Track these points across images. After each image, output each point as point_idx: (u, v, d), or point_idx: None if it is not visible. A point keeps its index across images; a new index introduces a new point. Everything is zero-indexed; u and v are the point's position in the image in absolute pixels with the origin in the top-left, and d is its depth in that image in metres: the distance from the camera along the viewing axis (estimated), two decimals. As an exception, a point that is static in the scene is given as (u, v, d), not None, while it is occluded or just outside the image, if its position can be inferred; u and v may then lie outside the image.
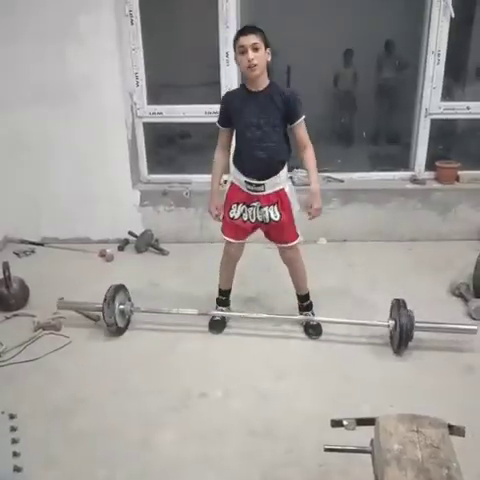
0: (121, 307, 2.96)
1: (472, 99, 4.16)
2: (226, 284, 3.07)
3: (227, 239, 2.88)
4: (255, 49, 2.48)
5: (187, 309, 3.01)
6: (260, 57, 2.50)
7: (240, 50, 2.51)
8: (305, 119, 2.65)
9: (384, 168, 4.43)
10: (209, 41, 3.96)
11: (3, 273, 3.21)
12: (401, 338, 2.68)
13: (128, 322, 3.06)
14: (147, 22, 3.93)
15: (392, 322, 2.77)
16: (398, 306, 2.76)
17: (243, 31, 2.53)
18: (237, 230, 2.83)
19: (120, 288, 3.00)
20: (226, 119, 2.71)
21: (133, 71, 4.02)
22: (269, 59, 2.57)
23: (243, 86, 2.71)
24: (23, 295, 3.30)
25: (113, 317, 2.87)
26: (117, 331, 2.94)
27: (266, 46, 2.54)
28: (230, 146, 2.82)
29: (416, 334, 2.70)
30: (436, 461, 1.41)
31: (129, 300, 3.06)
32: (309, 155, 2.70)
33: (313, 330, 2.95)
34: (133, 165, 4.18)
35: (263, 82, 2.59)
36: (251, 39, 2.48)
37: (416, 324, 2.69)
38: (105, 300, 2.87)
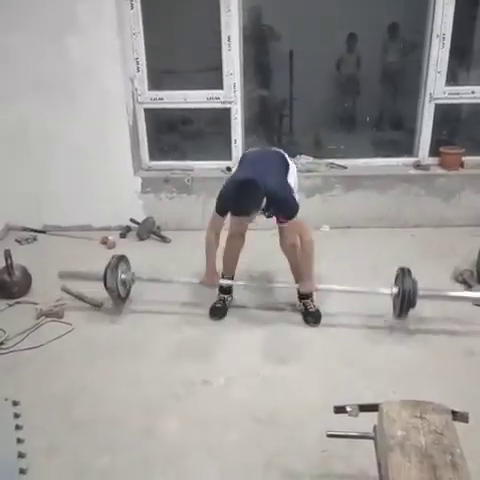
0: (123, 276, 3.00)
1: (477, 83, 4.10)
2: (228, 272, 3.07)
3: (229, 232, 2.91)
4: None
5: (188, 278, 3.06)
6: (250, 220, 2.62)
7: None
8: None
9: (388, 154, 4.39)
10: (210, 25, 3.91)
11: (5, 261, 3.21)
12: (403, 302, 2.67)
13: (128, 292, 3.12)
14: (147, 6, 3.87)
15: (396, 289, 2.76)
16: (403, 274, 2.75)
17: (234, 212, 2.62)
18: (238, 222, 2.83)
19: (122, 258, 3.05)
20: (224, 210, 2.71)
21: (134, 57, 3.98)
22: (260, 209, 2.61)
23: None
24: (25, 283, 3.30)
25: (115, 284, 2.91)
26: (118, 298, 2.98)
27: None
28: (221, 230, 2.83)
29: (418, 314, 2.69)
30: (440, 447, 1.41)
31: (130, 270, 3.10)
32: (305, 251, 2.77)
33: (312, 317, 2.94)
34: (134, 152, 4.15)
35: None
36: (242, 219, 2.65)
37: (420, 292, 2.69)
38: (109, 266, 2.92)
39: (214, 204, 2.76)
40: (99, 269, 2.95)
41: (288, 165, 2.86)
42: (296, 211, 2.65)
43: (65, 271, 3.14)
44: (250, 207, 2.51)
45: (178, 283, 3.07)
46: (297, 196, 2.79)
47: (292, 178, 2.83)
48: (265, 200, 2.54)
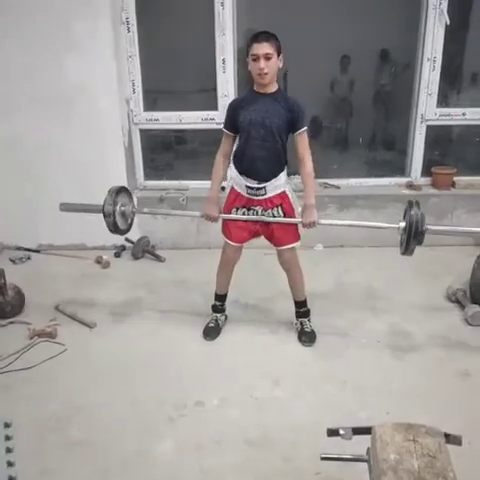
0: (123, 208, 2.90)
1: (468, 105, 4.19)
2: (223, 288, 3.07)
3: (227, 241, 2.88)
4: (267, 59, 2.52)
5: (189, 211, 3.05)
6: (272, 66, 2.54)
7: (252, 57, 2.54)
8: (307, 131, 2.69)
9: (380, 174, 4.44)
10: (205, 48, 3.98)
11: (-1, 280, 3.20)
12: (410, 234, 2.59)
13: (130, 226, 3.01)
14: (144, 29, 3.94)
15: (403, 224, 2.68)
16: (411, 206, 2.66)
17: (257, 38, 2.54)
18: (238, 232, 2.83)
19: (123, 189, 2.96)
20: (233, 123, 2.72)
21: (130, 78, 4.03)
22: (280, 66, 2.61)
23: (250, 89, 2.74)
24: (19, 302, 3.29)
25: (113, 212, 2.80)
26: (114, 227, 2.86)
27: (279, 53, 2.57)
28: (231, 153, 2.82)
29: (413, 339, 2.70)
30: (433, 471, 1.40)
31: (131, 202, 3.01)
32: (307, 169, 2.73)
33: (306, 337, 2.94)
34: (129, 171, 4.18)
35: (272, 86, 2.65)
36: (264, 48, 2.51)
37: (428, 226, 2.61)
38: (109, 191, 2.84)
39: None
40: (95, 296, 2.90)
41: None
42: (306, 122, 2.69)
43: (66, 204, 3.11)
44: (271, 35, 2.53)
45: (178, 215, 3.06)
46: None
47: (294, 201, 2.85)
48: (289, 109, 2.61)
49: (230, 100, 4.00)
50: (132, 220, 3.02)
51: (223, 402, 2.48)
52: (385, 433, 1.53)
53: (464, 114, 4.14)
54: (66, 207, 3.10)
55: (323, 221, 2.82)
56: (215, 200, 2.84)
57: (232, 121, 2.73)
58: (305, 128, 2.68)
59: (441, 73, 4.04)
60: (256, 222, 2.79)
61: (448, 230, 2.73)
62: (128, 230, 3.03)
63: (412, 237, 2.60)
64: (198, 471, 2.10)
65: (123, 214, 2.92)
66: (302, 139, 2.70)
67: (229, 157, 2.83)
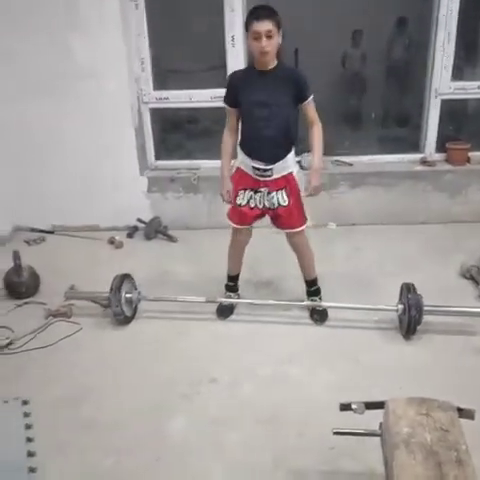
0: (128, 296, 2.95)
1: (483, 78, 4.09)
2: (234, 269, 3.08)
3: (233, 225, 2.87)
4: (269, 37, 2.44)
5: (194, 297, 3.01)
6: (273, 44, 2.48)
7: (254, 36, 2.46)
8: (314, 98, 2.64)
9: (393, 150, 4.38)
10: (214, 25, 3.91)
11: (14, 262, 3.24)
12: (410, 323, 2.67)
13: (135, 311, 3.06)
14: (152, 6, 3.89)
15: (401, 306, 2.76)
16: (407, 290, 2.73)
17: (258, 16, 2.44)
18: (243, 216, 2.82)
19: (126, 277, 2.99)
20: (233, 99, 2.67)
21: (138, 57, 3.99)
22: (280, 41, 2.54)
23: (250, 66, 2.69)
24: (34, 283, 3.33)
25: (120, 306, 2.87)
26: (124, 320, 2.95)
27: (279, 28, 2.50)
28: (238, 128, 2.78)
29: (425, 317, 2.69)
30: (445, 444, 1.41)
31: (136, 289, 3.05)
32: (316, 132, 2.68)
33: (318, 315, 2.94)
34: (140, 152, 4.17)
35: (272, 62, 2.58)
36: (266, 25, 2.42)
37: (425, 308, 2.67)
38: (111, 290, 2.87)
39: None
40: (109, 277, 2.92)
41: None
42: (310, 90, 2.64)
43: (71, 292, 3.16)
44: (271, 11, 2.47)
45: (184, 302, 3.01)
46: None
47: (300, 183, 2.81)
48: (291, 81, 2.57)
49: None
50: (137, 306, 3.05)
51: (237, 379, 2.50)
52: (398, 407, 1.54)
53: (479, 87, 4.04)
54: (71, 295, 3.13)
55: (325, 304, 2.93)
56: (227, 181, 2.81)
57: (232, 97, 2.67)
58: (311, 97, 2.62)
59: (456, 45, 3.93)
60: (262, 208, 2.77)
61: (445, 311, 2.77)
62: (134, 316, 3.04)
63: (412, 324, 2.67)
64: (212, 448, 2.13)
65: (129, 301, 2.97)
66: (310, 107, 2.65)
67: (236, 132, 2.78)
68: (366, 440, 1.89)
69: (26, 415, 1.95)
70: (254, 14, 2.46)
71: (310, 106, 2.65)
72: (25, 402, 2.02)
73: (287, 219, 2.78)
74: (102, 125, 3.96)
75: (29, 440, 1.96)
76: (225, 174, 2.82)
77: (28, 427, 1.97)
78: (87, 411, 2.35)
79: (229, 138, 2.79)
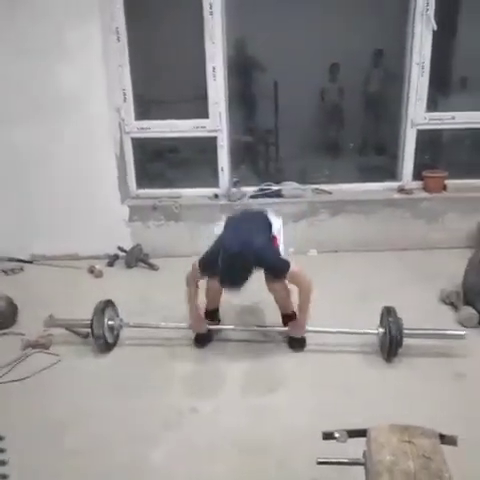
0: (110, 323, 2.93)
1: (457, 109, 4.22)
2: (213, 305, 3.08)
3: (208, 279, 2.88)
4: None
5: (176, 323, 3.00)
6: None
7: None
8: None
9: (372, 179, 4.46)
10: (195, 57, 3.99)
11: (-9, 291, 3.18)
12: (391, 345, 2.68)
13: (117, 338, 3.03)
14: (133, 38, 3.96)
15: (382, 330, 2.78)
16: (387, 313, 2.76)
17: (225, 286, 2.58)
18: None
19: (109, 303, 2.98)
20: (209, 274, 2.76)
21: (120, 87, 4.04)
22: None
23: None
24: (11, 313, 3.27)
25: (102, 331, 2.85)
26: (105, 346, 2.91)
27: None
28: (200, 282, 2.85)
29: (406, 341, 2.71)
30: (428, 472, 1.40)
31: (117, 316, 3.03)
32: (303, 290, 2.74)
33: (297, 343, 2.93)
34: (122, 180, 4.18)
35: None
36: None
37: (405, 331, 2.69)
38: (94, 314, 2.85)
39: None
40: (89, 306, 2.89)
41: (271, 224, 2.91)
42: (287, 267, 2.65)
43: (50, 320, 3.11)
44: (242, 281, 2.48)
45: (166, 328, 3.01)
46: (283, 250, 2.85)
47: (277, 233, 2.90)
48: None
49: (221, 109, 4.05)
50: (119, 333, 3.05)
51: (218, 409, 2.47)
52: (380, 435, 1.53)
53: (453, 118, 4.17)
54: (51, 323, 3.09)
55: (310, 328, 2.89)
56: (200, 317, 2.93)
57: (208, 274, 2.75)
58: (290, 269, 2.65)
59: (430, 78, 4.07)
60: None
61: (425, 334, 2.82)
62: (115, 343, 3.03)
63: (393, 347, 2.70)
64: (193, 478, 2.08)
65: (111, 328, 2.96)
66: (293, 276, 2.69)
67: (198, 284, 2.85)
68: (349, 470, 1.86)
69: (1, 451, 1.89)
70: (220, 278, 2.52)
71: (293, 275, 2.69)
72: (0, 438, 1.96)
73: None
74: (84, 154, 3.97)
75: (4, 478, 1.89)
76: (197, 316, 2.91)
77: (3, 463, 1.90)
78: (67, 443, 2.27)
79: (194, 291, 2.85)
